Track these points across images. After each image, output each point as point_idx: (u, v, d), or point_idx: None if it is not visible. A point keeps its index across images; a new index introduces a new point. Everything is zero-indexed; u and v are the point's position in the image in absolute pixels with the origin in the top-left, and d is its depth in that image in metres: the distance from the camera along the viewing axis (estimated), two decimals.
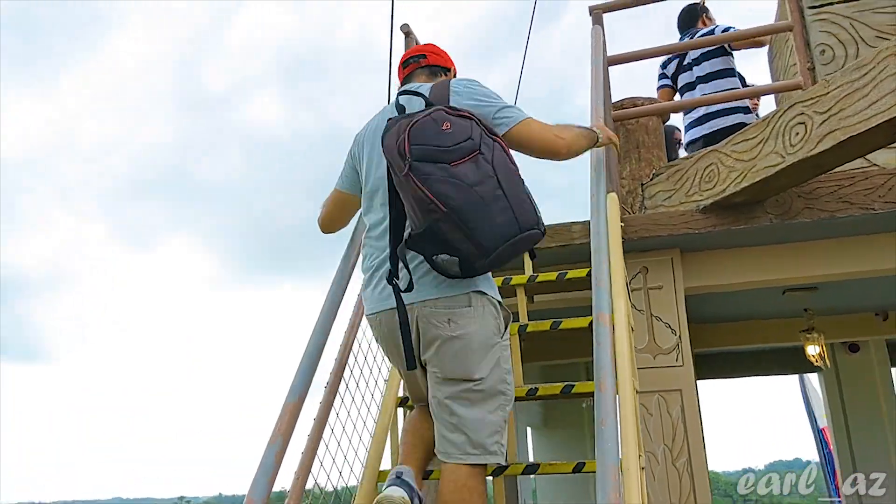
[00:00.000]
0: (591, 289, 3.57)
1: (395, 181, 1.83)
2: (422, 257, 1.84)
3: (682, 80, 4.57)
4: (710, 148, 3.40)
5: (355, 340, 2.65)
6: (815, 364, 4.83)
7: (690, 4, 4.78)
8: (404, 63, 2.28)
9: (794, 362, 6.12)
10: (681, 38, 4.63)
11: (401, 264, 1.84)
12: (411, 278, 1.85)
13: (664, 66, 4.78)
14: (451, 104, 1.91)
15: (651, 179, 3.76)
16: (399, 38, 3.69)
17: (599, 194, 2.53)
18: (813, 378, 7.76)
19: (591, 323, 3.01)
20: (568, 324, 2.93)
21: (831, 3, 3.62)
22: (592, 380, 2.42)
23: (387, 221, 1.97)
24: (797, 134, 2.87)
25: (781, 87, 3.66)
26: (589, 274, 3.23)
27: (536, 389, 2.71)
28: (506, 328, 2.00)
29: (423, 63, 2.24)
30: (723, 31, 4.26)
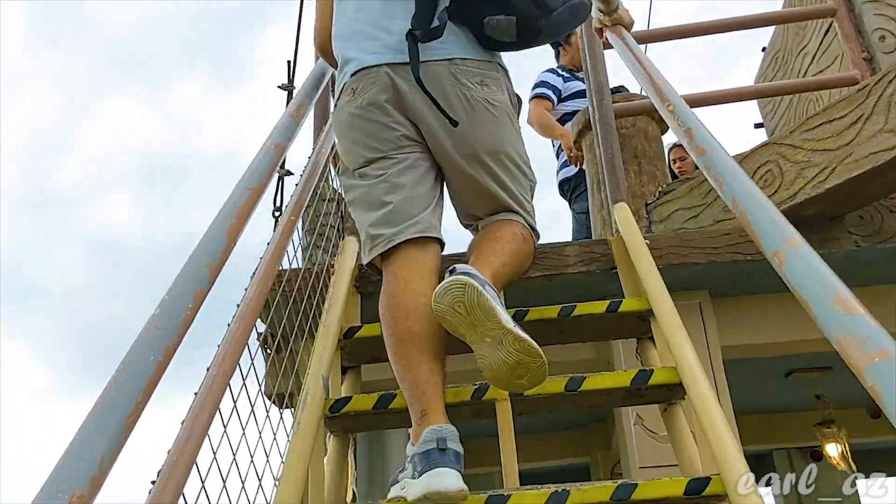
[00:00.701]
0: (604, 339, 2.43)
1: None
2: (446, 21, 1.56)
3: None
4: (761, 142, 2.41)
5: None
6: (840, 468, 3.79)
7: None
8: None
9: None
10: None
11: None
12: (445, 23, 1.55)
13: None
14: None
15: (658, 198, 2.72)
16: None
17: None
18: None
19: (633, 380, 1.88)
20: (594, 383, 1.75)
21: None
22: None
23: None
24: None
25: (832, 82, 2.76)
26: (610, 308, 2.10)
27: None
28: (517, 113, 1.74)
29: None
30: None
